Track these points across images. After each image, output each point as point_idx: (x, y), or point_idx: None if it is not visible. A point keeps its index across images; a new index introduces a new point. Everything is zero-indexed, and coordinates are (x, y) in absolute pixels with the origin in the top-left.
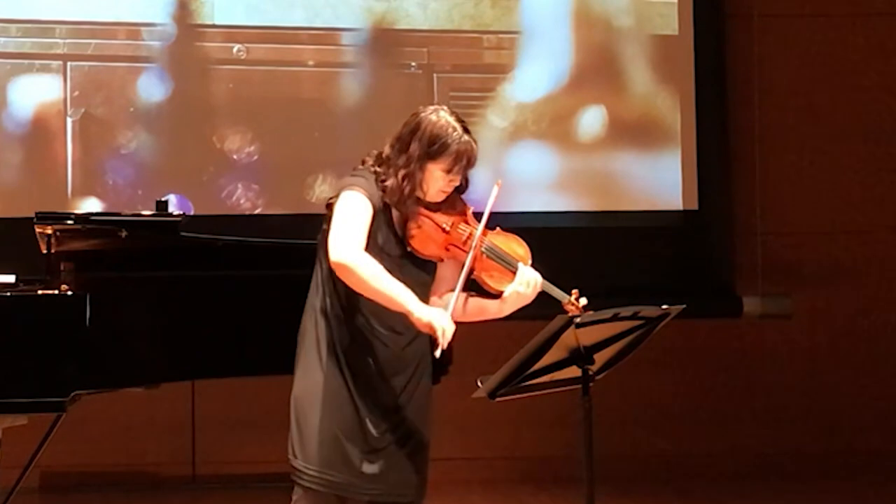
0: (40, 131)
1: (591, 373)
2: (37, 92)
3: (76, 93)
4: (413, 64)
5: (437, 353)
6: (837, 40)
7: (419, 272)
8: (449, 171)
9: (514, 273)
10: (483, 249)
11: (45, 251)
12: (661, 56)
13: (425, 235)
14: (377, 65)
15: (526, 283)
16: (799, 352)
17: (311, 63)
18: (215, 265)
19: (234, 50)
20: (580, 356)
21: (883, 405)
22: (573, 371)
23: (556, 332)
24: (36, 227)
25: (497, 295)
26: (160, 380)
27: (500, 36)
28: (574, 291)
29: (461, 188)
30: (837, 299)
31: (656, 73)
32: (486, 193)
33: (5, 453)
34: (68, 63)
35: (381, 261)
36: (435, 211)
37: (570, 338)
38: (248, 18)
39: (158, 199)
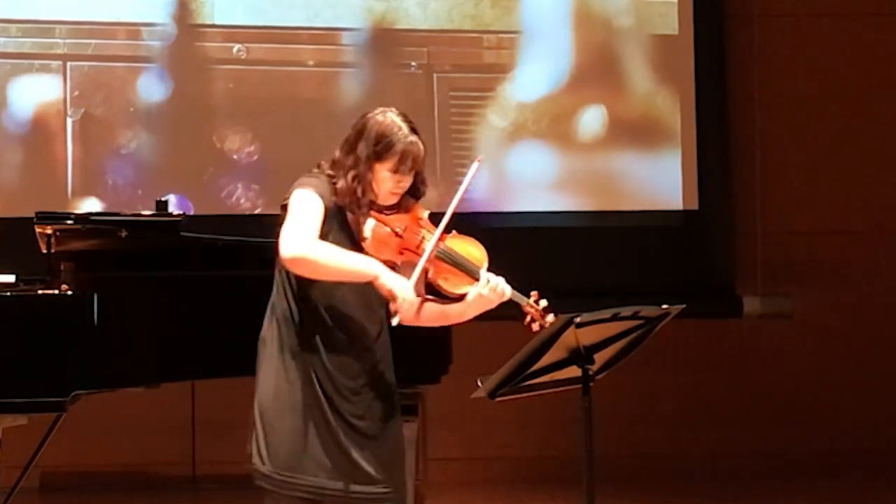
0: (40, 131)
1: (591, 373)
2: (37, 92)
3: (76, 93)
4: (413, 64)
5: (394, 322)
6: (838, 40)
7: None
8: (395, 172)
9: (470, 276)
10: (438, 253)
11: (45, 251)
12: (661, 56)
13: (379, 239)
14: (377, 65)
15: (491, 287)
16: (799, 352)
17: (311, 63)
18: (215, 265)
19: (234, 50)
20: (580, 356)
21: (883, 405)
22: (573, 371)
23: (556, 332)
24: (36, 227)
25: (455, 299)
26: (160, 380)
27: (500, 36)
28: (533, 293)
29: (419, 192)
30: (837, 299)
31: (656, 73)
32: (488, 194)
33: (5, 453)
34: (68, 63)
35: None
36: (389, 214)
37: (569, 338)
38: (248, 18)
39: (158, 199)
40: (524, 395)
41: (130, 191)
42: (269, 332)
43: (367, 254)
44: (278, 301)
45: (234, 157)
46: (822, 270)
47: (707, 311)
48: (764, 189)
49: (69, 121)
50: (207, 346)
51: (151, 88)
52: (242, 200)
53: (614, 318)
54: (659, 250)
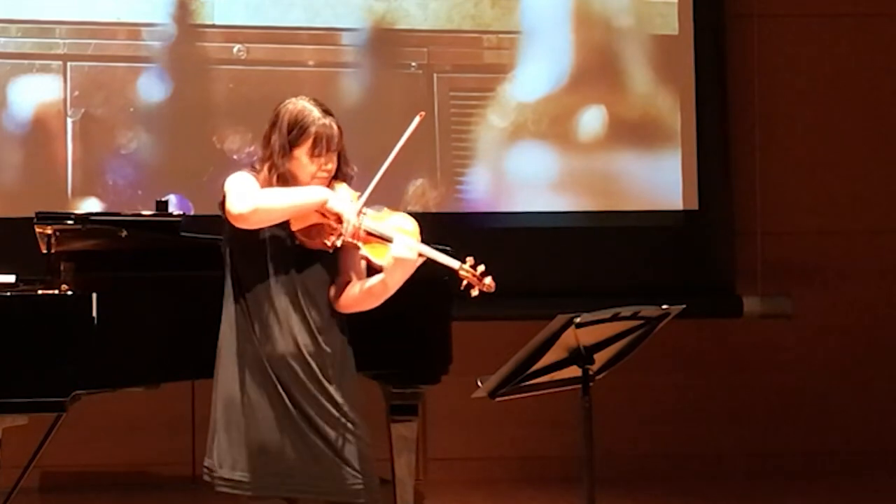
0: (40, 131)
1: (591, 373)
2: (37, 92)
3: (76, 93)
4: (413, 64)
5: (338, 243)
6: (837, 40)
7: (313, 263)
8: (312, 155)
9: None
10: (361, 223)
11: (45, 251)
12: (661, 56)
13: (306, 223)
14: (377, 65)
15: (405, 246)
16: (799, 352)
17: (311, 63)
18: (215, 265)
19: (234, 50)
20: (580, 356)
21: (883, 405)
22: (573, 371)
23: (556, 332)
24: (36, 227)
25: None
26: (160, 380)
27: (500, 36)
28: (469, 258)
29: (342, 173)
30: (837, 299)
31: (656, 73)
32: (488, 194)
33: (5, 453)
34: (68, 63)
35: (273, 252)
36: None
37: (570, 338)
38: (248, 18)
39: (158, 199)
40: (524, 395)
41: (130, 191)
42: (224, 340)
43: (300, 241)
44: (229, 308)
45: (234, 157)
46: (822, 270)
47: (707, 311)
48: (764, 189)
49: (69, 121)
50: (207, 346)
51: (151, 88)
52: None
53: (614, 318)
54: (659, 250)
